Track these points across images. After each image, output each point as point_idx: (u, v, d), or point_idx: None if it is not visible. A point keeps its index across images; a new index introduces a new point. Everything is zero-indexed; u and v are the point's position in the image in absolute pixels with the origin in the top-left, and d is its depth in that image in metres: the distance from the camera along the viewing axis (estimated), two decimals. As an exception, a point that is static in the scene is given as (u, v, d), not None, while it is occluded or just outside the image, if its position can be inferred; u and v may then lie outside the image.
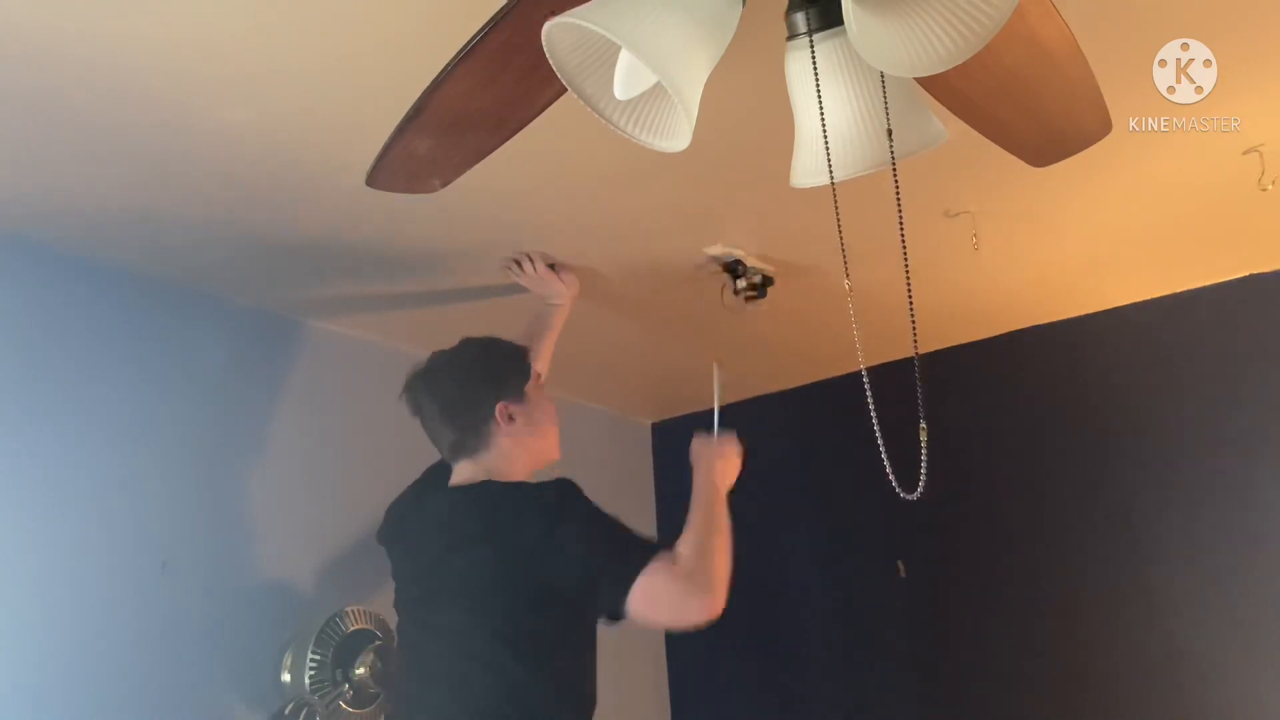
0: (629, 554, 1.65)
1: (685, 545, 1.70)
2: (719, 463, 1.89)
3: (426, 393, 1.89)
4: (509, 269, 2.24)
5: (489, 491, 1.79)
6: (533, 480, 1.84)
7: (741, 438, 1.95)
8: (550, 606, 1.68)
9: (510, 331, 2.05)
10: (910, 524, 2.85)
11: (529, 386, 1.91)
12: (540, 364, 2.13)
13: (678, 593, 1.64)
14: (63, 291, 2.05)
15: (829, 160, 1.13)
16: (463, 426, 1.86)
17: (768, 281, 2.33)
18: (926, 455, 1.20)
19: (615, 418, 3.35)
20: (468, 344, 1.95)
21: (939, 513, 2.79)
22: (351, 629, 2.23)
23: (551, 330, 2.23)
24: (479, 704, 1.65)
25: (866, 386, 1.22)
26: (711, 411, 2.00)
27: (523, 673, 1.66)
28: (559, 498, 1.71)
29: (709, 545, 1.71)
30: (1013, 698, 2.67)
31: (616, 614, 1.65)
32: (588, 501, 1.72)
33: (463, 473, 1.86)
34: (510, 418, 1.86)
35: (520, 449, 1.86)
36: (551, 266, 2.24)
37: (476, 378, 1.88)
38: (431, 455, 1.96)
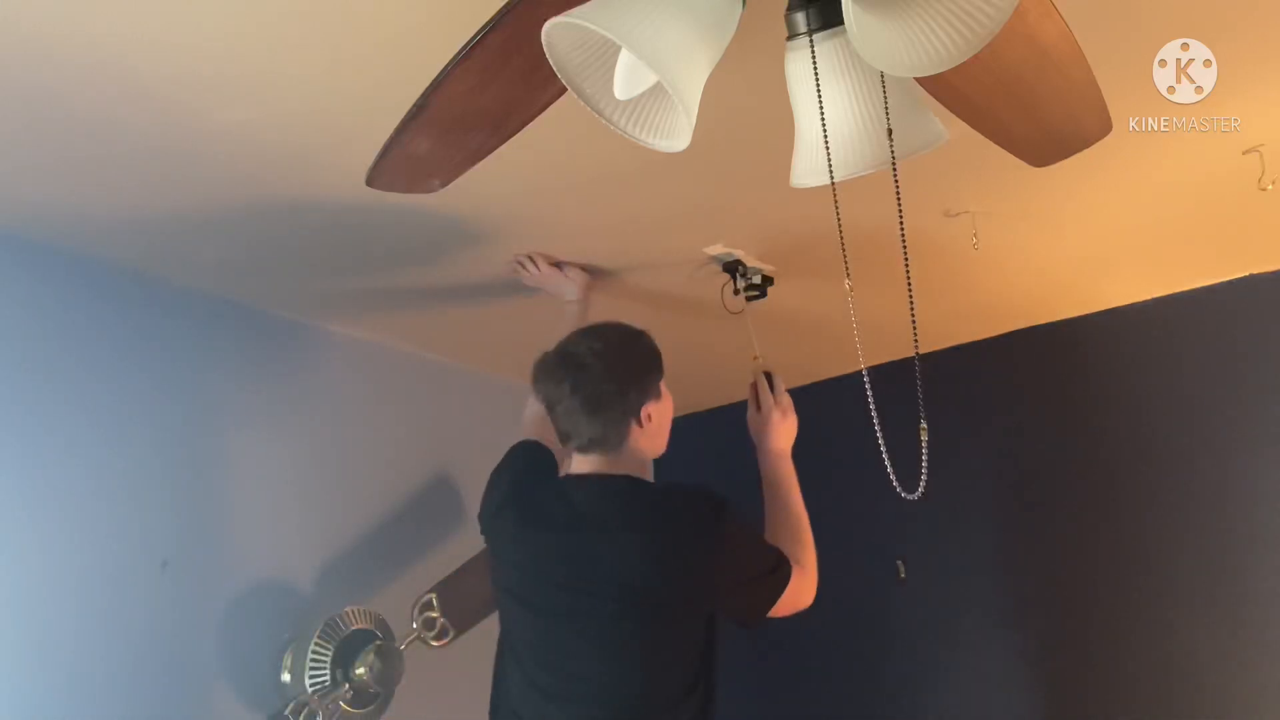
0: (779, 566, 1.73)
1: (788, 540, 1.80)
2: (783, 428, 1.96)
3: (571, 383, 1.76)
4: (515, 272, 2.24)
5: (642, 490, 1.76)
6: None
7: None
8: (700, 608, 1.69)
9: (516, 332, 2.03)
10: (910, 524, 2.85)
11: (663, 384, 1.87)
12: None
13: (802, 591, 1.77)
14: (63, 291, 2.05)
15: (829, 160, 1.13)
16: (605, 422, 1.77)
17: (768, 281, 2.33)
18: (927, 455, 1.21)
19: (615, 418, 3.35)
20: (610, 333, 1.85)
21: (939, 513, 2.79)
22: (351, 629, 2.23)
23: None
24: (621, 700, 1.66)
25: (867, 386, 1.22)
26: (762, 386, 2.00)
27: (665, 673, 1.68)
28: (713, 504, 1.72)
29: (803, 532, 1.84)
30: (1012, 696, 2.67)
31: (754, 621, 1.73)
32: (732, 508, 1.73)
33: (588, 464, 1.78)
34: (649, 418, 1.81)
35: (646, 446, 1.82)
36: (559, 265, 2.22)
37: (628, 376, 1.80)
38: (441, 457, 1.92)
